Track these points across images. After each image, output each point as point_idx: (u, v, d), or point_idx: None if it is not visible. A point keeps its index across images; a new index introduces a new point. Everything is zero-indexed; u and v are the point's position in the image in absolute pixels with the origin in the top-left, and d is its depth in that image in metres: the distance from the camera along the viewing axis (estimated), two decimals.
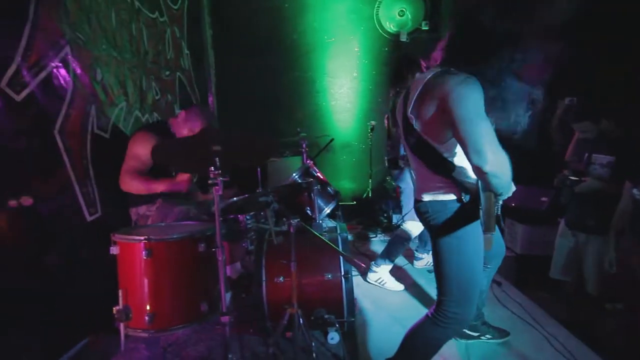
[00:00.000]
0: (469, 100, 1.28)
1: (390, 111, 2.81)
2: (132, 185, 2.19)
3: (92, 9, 2.26)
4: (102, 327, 2.05)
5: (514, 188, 1.43)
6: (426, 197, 1.51)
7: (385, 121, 2.96)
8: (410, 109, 1.44)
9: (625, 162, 2.18)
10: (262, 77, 4.62)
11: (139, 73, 2.79)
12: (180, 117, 2.38)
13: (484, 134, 1.25)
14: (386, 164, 3.00)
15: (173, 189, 2.25)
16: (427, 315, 1.57)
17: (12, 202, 1.72)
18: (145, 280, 1.67)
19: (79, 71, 2.13)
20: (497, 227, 1.68)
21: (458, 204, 1.45)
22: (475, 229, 1.43)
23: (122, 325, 1.68)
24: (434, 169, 1.46)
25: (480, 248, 1.46)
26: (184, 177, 2.29)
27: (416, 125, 1.44)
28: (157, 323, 1.68)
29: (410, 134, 1.47)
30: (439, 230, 1.49)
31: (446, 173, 1.44)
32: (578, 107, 2.44)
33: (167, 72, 3.25)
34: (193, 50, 3.87)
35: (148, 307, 1.67)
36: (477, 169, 1.27)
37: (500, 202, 1.45)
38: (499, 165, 1.26)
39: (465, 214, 1.43)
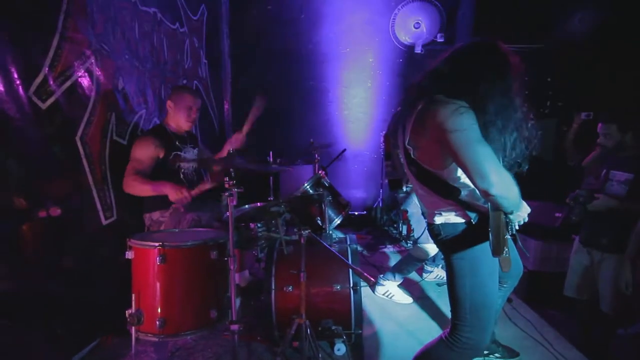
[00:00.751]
0: (464, 128, 1.26)
1: (391, 133, 2.82)
2: (134, 187, 2.23)
3: (117, 20, 2.35)
4: (113, 330, 2.10)
5: (527, 207, 1.41)
6: (438, 220, 1.50)
7: (383, 140, 2.96)
8: (407, 140, 1.44)
9: None
10: (277, 86, 4.69)
11: (158, 82, 2.87)
12: (170, 107, 2.44)
13: (486, 157, 1.24)
14: (387, 184, 2.99)
15: (172, 195, 2.20)
16: (441, 337, 1.54)
17: (42, 213, 1.78)
18: (158, 285, 1.71)
19: (102, 80, 2.21)
20: (514, 246, 1.67)
21: (469, 226, 1.43)
22: (488, 250, 1.39)
23: (133, 329, 1.72)
24: (441, 195, 1.45)
25: (494, 270, 1.45)
26: (183, 190, 2.22)
27: (414, 155, 1.44)
28: (167, 328, 1.72)
29: (412, 164, 1.47)
30: (452, 252, 1.47)
31: (454, 197, 1.42)
32: (610, 110, 2.38)
33: (185, 81, 3.34)
34: (211, 60, 3.97)
35: (159, 312, 1.71)
36: (484, 193, 1.27)
37: (515, 222, 1.43)
38: (505, 186, 1.25)
39: (476, 236, 1.41)
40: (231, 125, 4.61)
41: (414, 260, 2.77)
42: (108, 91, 2.28)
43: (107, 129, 2.29)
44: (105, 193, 2.28)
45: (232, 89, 4.60)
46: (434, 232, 1.54)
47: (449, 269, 1.49)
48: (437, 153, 1.36)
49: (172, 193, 2.18)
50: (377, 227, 4.52)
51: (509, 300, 2.75)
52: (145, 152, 2.29)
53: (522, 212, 1.40)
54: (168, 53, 3.05)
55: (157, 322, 1.70)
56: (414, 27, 4.56)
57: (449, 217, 1.46)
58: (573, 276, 2.51)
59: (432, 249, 2.73)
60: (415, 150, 1.43)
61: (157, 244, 1.69)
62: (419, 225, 2.76)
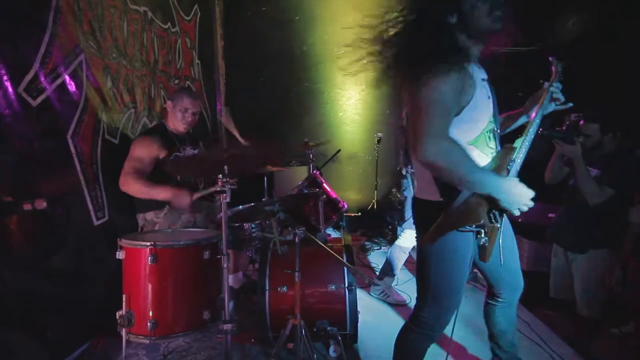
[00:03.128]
0: (426, 84, 1.18)
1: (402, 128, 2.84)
2: (133, 186, 2.16)
3: (104, 18, 2.33)
4: (104, 332, 2.06)
5: (521, 191, 1.23)
6: (418, 194, 1.45)
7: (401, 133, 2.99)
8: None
9: (612, 177, 2.15)
10: (272, 87, 4.68)
11: (148, 81, 2.85)
12: (168, 106, 2.42)
13: (429, 122, 1.15)
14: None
15: (173, 200, 2.18)
16: (406, 321, 1.54)
17: (27, 205, 1.75)
18: (150, 286, 1.68)
19: (91, 78, 2.19)
20: (516, 253, 1.59)
21: (439, 205, 1.33)
22: (458, 238, 1.33)
23: (124, 331, 1.68)
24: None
25: (462, 257, 1.37)
26: (185, 194, 2.19)
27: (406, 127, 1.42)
28: (159, 330, 1.69)
29: (404, 135, 1.44)
30: (420, 230, 1.44)
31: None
32: (594, 109, 2.36)
33: (176, 81, 3.32)
34: (204, 61, 3.95)
35: (151, 314, 1.68)
36: (414, 159, 1.21)
37: (502, 209, 1.27)
38: (439, 158, 1.15)
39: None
40: (225, 126, 4.58)
41: (400, 251, 2.76)
42: (98, 89, 2.25)
43: (99, 128, 2.26)
44: (97, 193, 2.24)
45: (226, 89, 4.57)
46: (413, 204, 1.48)
47: (417, 249, 1.47)
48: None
49: (175, 199, 2.14)
50: (372, 228, 4.51)
51: None
52: (147, 151, 2.23)
53: (511, 196, 1.22)
54: (158, 52, 3.02)
55: (149, 324, 1.67)
56: None
57: (426, 191, 1.39)
58: (554, 278, 2.53)
59: (413, 235, 2.73)
60: (406, 124, 1.42)
61: (148, 243, 1.67)
62: (408, 210, 2.77)
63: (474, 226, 1.29)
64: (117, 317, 1.70)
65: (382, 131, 4.46)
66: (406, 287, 3.04)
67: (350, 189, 4.94)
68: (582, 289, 2.26)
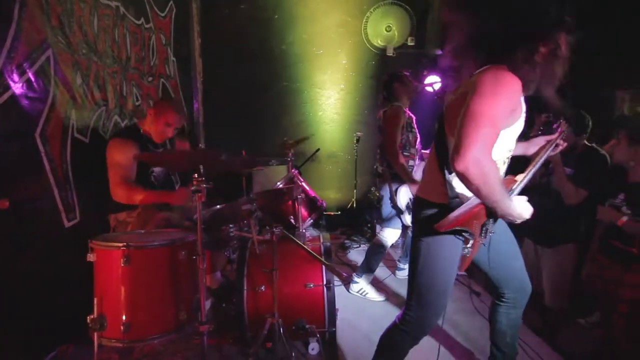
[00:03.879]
0: (490, 97, 1.16)
1: (379, 121, 2.87)
2: (127, 196, 2.15)
3: (73, 12, 2.25)
4: (76, 337, 1.99)
5: (522, 210, 1.31)
6: (421, 193, 1.48)
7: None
8: (450, 96, 1.38)
9: (583, 176, 2.26)
10: (250, 86, 4.65)
11: (119, 78, 2.77)
12: (150, 114, 2.36)
13: (481, 136, 1.12)
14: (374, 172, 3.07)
15: (170, 201, 2.19)
16: (394, 319, 1.58)
17: None
18: (122, 289, 1.64)
19: (60, 75, 2.11)
20: (520, 258, 1.67)
21: (441, 208, 1.37)
22: (448, 238, 1.38)
23: (95, 335, 1.64)
24: (439, 163, 1.39)
25: (452, 260, 1.43)
26: (182, 191, 2.22)
27: (444, 113, 1.39)
28: (132, 333, 1.64)
29: (439, 121, 1.42)
30: (418, 228, 1.48)
31: (444, 170, 1.36)
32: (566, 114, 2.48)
33: (150, 78, 3.24)
34: (180, 58, 3.87)
35: (124, 316, 1.64)
36: (451, 162, 1.17)
37: (492, 226, 1.36)
38: (476, 169, 1.13)
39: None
40: (202, 125, 4.51)
41: (379, 249, 2.80)
42: (67, 86, 2.17)
43: (68, 126, 2.19)
44: (68, 193, 2.17)
45: (203, 88, 4.51)
46: (413, 204, 1.53)
47: (411, 247, 1.51)
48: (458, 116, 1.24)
49: (183, 199, 2.13)
50: (352, 227, 4.55)
51: (477, 293, 2.83)
52: (126, 156, 2.17)
53: (509, 216, 1.29)
54: (131, 49, 2.94)
55: (122, 327, 1.63)
56: (385, 30, 4.65)
57: (431, 193, 1.43)
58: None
59: (392, 234, 2.78)
60: (447, 109, 1.37)
61: (121, 244, 1.62)
62: (386, 208, 2.80)
63: (467, 233, 1.35)
64: (88, 321, 1.65)
65: (361, 130, 4.51)
66: (384, 284, 3.08)
67: (329, 188, 4.97)
68: (550, 282, 2.36)
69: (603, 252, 2.16)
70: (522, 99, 1.30)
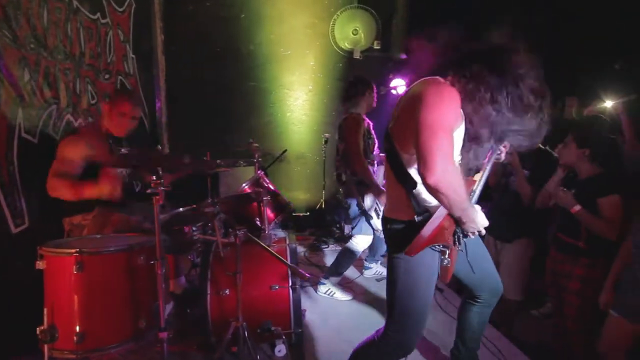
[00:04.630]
0: (437, 108, 1.19)
1: (338, 128, 2.89)
2: (60, 190, 2.02)
3: (20, 5, 2.11)
4: (27, 349, 1.87)
5: (483, 220, 1.35)
6: (388, 212, 1.48)
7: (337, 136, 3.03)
8: (394, 119, 1.39)
9: (538, 177, 2.42)
10: (217, 85, 4.55)
11: (72, 75, 2.63)
12: (105, 109, 2.27)
13: (440, 145, 1.16)
14: (335, 178, 3.06)
15: (101, 194, 2.06)
16: (372, 336, 1.54)
17: None
18: (75, 297, 1.55)
19: (4, 71, 1.97)
20: (490, 260, 1.69)
21: (411, 224, 1.37)
22: (426, 254, 1.36)
23: (46, 347, 1.54)
24: (398, 181, 1.39)
25: (430, 277, 1.42)
26: (108, 173, 2.07)
27: (392, 128, 1.39)
28: (87, 343, 1.57)
29: (387, 140, 1.41)
30: (392, 247, 1.45)
31: (408, 188, 1.36)
32: None
33: (107, 76, 3.10)
34: (140, 55, 3.73)
35: (77, 326, 1.55)
36: (422, 178, 1.19)
37: (462, 233, 1.38)
38: (447, 181, 1.17)
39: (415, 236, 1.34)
40: (165, 125, 4.37)
41: (349, 254, 2.83)
42: (13, 83, 2.03)
43: (14, 126, 2.05)
44: (15, 197, 2.03)
45: (166, 86, 4.36)
46: (383, 223, 1.51)
47: (388, 266, 1.49)
48: (409, 131, 1.26)
49: (111, 187, 2.02)
50: (320, 228, 4.56)
51: (440, 290, 2.93)
52: (75, 152, 2.07)
53: (473, 223, 1.33)
54: (85, 45, 2.80)
55: (75, 337, 1.55)
56: (352, 34, 4.71)
57: (398, 211, 1.42)
58: None
59: (364, 240, 2.82)
60: (393, 125, 1.38)
61: (73, 250, 1.54)
62: (355, 216, 2.83)
63: (441, 246, 1.36)
64: (38, 332, 1.55)
65: (330, 132, 4.53)
66: (352, 284, 3.12)
67: (298, 189, 4.96)
68: (509, 275, 2.48)
69: (554, 245, 2.30)
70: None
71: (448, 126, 1.21)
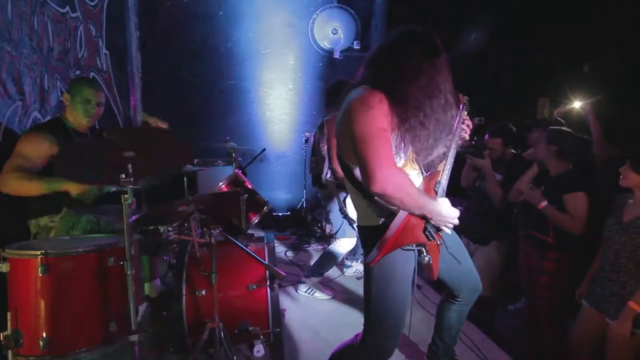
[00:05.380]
0: (364, 117, 1.20)
1: (318, 129, 2.89)
2: (10, 184, 1.91)
3: None
4: None
5: (450, 211, 1.33)
6: (359, 221, 1.47)
7: (312, 137, 3.02)
8: (336, 130, 1.39)
9: (511, 181, 2.48)
10: (194, 83, 4.48)
11: (39, 70, 2.52)
12: (66, 100, 2.15)
13: (376, 152, 1.17)
14: (311, 179, 3.04)
15: (59, 189, 1.95)
16: (351, 340, 1.53)
17: None
18: (40, 301, 1.48)
19: None
20: (468, 257, 1.68)
21: (379, 228, 1.35)
22: (398, 257, 1.34)
23: (10, 353, 1.47)
24: (358, 192, 1.38)
25: (404, 279, 1.39)
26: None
27: (338, 148, 1.39)
28: (54, 348, 1.50)
29: (339, 156, 1.41)
30: (366, 254, 1.42)
31: (367, 197, 1.35)
32: (496, 126, 2.69)
33: (78, 72, 2.99)
34: (114, 51, 3.62)
35: (42, 331, 1.48)
36: (368, 189, 1.19)
37: (433, 227, 1.35)
38: (393, 184, 1.17)
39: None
40: (139, 122, 4.26)
41: (332, 256, 2.83)
42: None
43: None
44: None
45: (142, 83, 4.25)
46: (359, 233, 1.49)
47: (364, 273, 1.46)
48: (349, 144, 1.27)
49: (73, 187, 1.90)
50: (302, 227, 4.55)
51: (419, 286, 2.96)
52: (36, 149, 1.96)
53: (440, 217, 1.31)
54: (54, 39, 2.69)
55: (41, 342, 1.48)
56: (332, 33, 4.72)
57: (366, 217, 1.41)
58: None
59: (347, 243, 2.82)
60: (339, 143, 1.37)
61: (38, 252, 1.47)
62: (336, 220, 2.83)
63: (414, 245, 1.33)
64: (1, 338, 1.48)
65: (310, 131, 4.52)
66: (333, 282, 3.11)
67: (279, 189, 4.93)
68: (483, 274, 2.52)
69: (525, 241, 2.36)
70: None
71: (379, 131, 1.21)
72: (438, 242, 1.39)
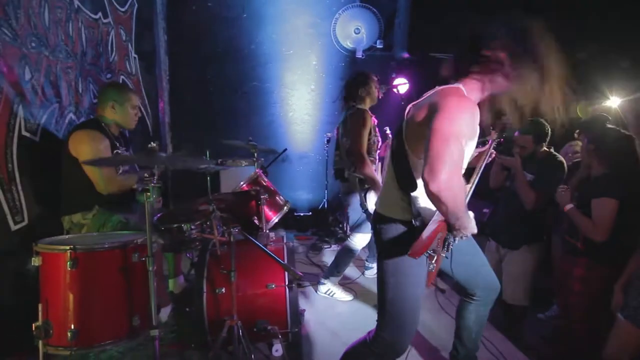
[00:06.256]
0: (455, 119, 1.20)
1: (342, 123, 2.86)
2: (117, 182, 2.18)
3: (21, 4, 2.13)
4: (24, 347, 1.88)
5: (473, 227, 1.34)
6: (382, 210, 1.47)
7: (336, 132, 3.00)
8: (408, 112, 1.40)
9: (543, 181, 2.35)
10: (219, 85, 4.57)
11: (74, 74, 2.65)
12: (113, 107, 2.28)
13: (450, 154, 1.16)
14: (333, 173, 3.03)
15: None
16: (364, 337, 1.53)
17: None
18: (69, 294, 1.56)
19: (5, 69, 1.99)
20: (485, 259, 1.69)
21: (406, 227, 1.38)
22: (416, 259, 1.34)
23: (40, 343, 1.55)
24: (399, 181, 1.40)
25: (418, 279, 1.42)
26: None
27: (405, 130, 1.38)
28: (81, 340, 1.56)
29: (398, 139, 1.41)
30: (383, 247, 1.45)
31: (407, 190, 1.36)
32: (526, 122, 2.56)
33: (109, 75, 3.12)
34: (143, 55, 3.75)
35: (71, 323, 1.55)
36: (425, 183, 1.18)
37: (453, 239, 1.37)
38: (449, 190, 1.16)
39: (409, 240, 1.31)
40: (168, 125, 4.39)
41: (348, 253, 2.80)
42: (13, 81, 2.05)
43: (14, 124, 2.06)
44: (14, 195, 2.05)
45: (170, 86, 4.39)
46: (374, 220, 1.50)
47: (378, 264, 1.48)
48: (422, 135, 1.26)
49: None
50: (323, 228, 4.54)
51: (442, 291, 2.88)
52: (104, 145, 2.16)
53: (465, 230, 1.32)
54: (87, 44, 2.82)
55: (69, 334, 1.55)
56: (354, 33, 4.69)
57: (392, 209, 1.42)
58: None
59: (363, 239, 2.79)
60: (407, 125, 1.37)
61: (67, 247, 1.54)
62: (354, 214, 2.80)
63: (432, 251, 1.34)
64: (33, 328, 1.56)
65: (332, 131, 4.51)
66: (353, 284, 3.09)
67: (301, 189, 4.94)
68: (513, 281, 2.41)
69: (562, 245, 2.24)
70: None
71: (462, 136, 1.21)
72: (445, 255, 1.39)
